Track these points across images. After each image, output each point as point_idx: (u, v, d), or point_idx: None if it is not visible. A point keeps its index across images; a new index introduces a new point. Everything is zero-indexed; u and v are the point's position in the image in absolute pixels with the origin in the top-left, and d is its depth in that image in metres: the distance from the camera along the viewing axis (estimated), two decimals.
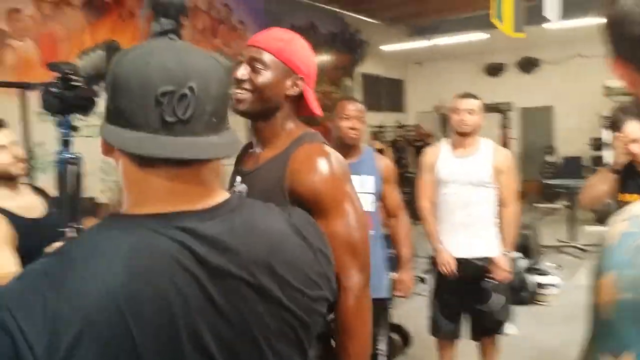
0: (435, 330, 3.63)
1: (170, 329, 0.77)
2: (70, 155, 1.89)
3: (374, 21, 11.81)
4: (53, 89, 1.81)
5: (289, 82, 1.62)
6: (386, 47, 13.05)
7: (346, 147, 3.00)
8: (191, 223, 0.83)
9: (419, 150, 12.05)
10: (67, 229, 1.89)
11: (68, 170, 1.89)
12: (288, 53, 1.57)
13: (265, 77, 1.56)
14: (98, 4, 7.86)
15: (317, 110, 1.66)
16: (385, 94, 14.69)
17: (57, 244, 1.57)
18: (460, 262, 3.44)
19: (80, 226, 1.95)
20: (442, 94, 13.85)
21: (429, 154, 3.66)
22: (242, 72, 1.53)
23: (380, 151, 10.75)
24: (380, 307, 3.09)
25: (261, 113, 1.62)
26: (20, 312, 0.73)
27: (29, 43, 7.00)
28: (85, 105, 1.83)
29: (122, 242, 0.79)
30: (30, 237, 2.28)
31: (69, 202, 1.90)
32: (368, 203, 3.04)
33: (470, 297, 3.49)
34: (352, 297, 1.43)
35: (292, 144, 1.61)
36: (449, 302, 3.55)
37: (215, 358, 0.80)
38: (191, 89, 0.82)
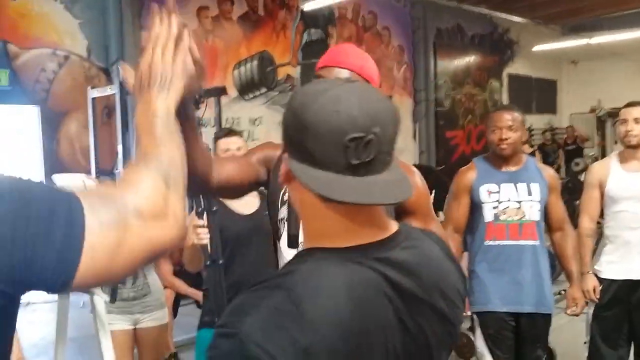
0: (597, 357, 3.36)
1: (382, 347, 0.89)
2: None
3: (524, 20, 11.40)
4: None
5: None
6: (538, 47, 12.52)
7: (502, 158, 2.93)
8: (383, 253, 0.92)
9: (570, 155, 11.43)
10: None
11: None
12: (367, 69, 1.60)
13: None
14: (253, 17, 8.45)
15: None
16: (536, 95, 14.09)
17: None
18: (634, 284, 3.19)
19: (215, 209, 2.39)
20: (599, 95, 13.04)
21: (596, 169, 3.41)
22: None
23: (531, 155, 10.37)
24: (545, 323, 2.97)
25: None
26: (271, 347, 0.80)
27: None
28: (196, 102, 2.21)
29: (337, 276, 0.88)
30: (242, 228, 2.74)
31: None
32: (535, 212, 2.91)
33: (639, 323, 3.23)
34: None
35: None
36: (613, 327, 3.29)
37: None
38: (375, 134, 0.88)
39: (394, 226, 0.99)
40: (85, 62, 6.80)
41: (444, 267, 1.02)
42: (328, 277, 0.88)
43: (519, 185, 2.90)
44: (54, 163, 6.49)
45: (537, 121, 13.88)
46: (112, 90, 6.14)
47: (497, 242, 2.90)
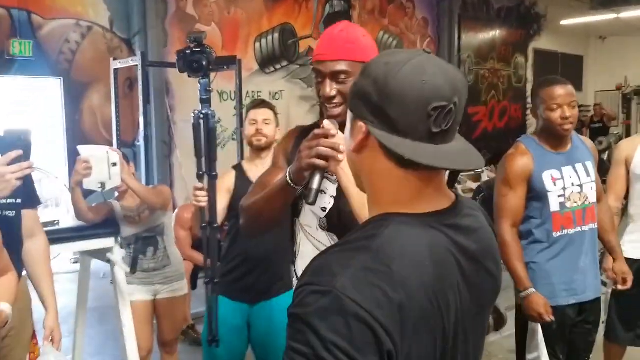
0: (613, 337, 3.34)
1: (454, 305, 0.96)
2: (204, 112, 2.30)
3: None
4: (181, 53, 2.24)
5: None
6: (566, 21, 12.24)
7: (559, 138, 2.63)
8: (452, 219, 1.00)
9: (595, 133, 11.25)
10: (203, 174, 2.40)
11: (201, 125, 2.33)
12: (360, 52, 1.58)
13: (350, 83, 1.53)
14: None
15: None
16: (561, 71, 13.83)
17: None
18: None
19: (215, 173, 2.45)
20: (626, 72, 12.77)
21: (624, 146, 3.36)
22: (328, 89, 1.58)
23: None
24: (599, 304, 2.82)
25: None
26: (367, 303, 0.84)
27: (214, 27, 7.69)
28: (194, 68, 2.24)
29: (420, 240, 0.95)
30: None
31: (201, 151, 2.37)
32: (593, 193, 2.68)
33: None
34: None
35: None
36: (632, 307, 3.24)
37: (459, 323, 0.98)
38: (455, 104, 0.94)
39: (452, 195, 1.06)
40: (108, 33, 6.82)
41: (491, 234, 1.11)
42: (412, 240, 0.94)
43: (577, 166, 2.65)
44: (76, 134, 6.56)
45: None
46: (134, 61, 6.17)
47: (565, 232, 2.62)
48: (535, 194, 2.62)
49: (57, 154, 6.27)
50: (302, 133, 1.80)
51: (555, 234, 2.63)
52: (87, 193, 3.56)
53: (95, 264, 3.73)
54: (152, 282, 3.36)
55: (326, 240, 1.69)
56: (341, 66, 1.58)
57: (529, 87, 13.12)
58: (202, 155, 2.41)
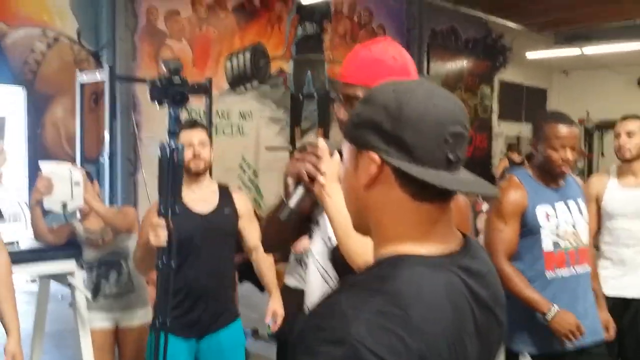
0: None
1: (470, 354, 0.90)
2: (173, 146, 2.08)
3: (519, 27, 11.39)
4: (156, 82, 2.06)
5: None
6: (531, 54, 12.52)
7: (552, 175, 2.54)
8: (464, 261, 0.94)
9: None
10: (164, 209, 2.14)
11: (169, 159, 2.09)
12: (384, 75, 1.40)
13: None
14: (249, 8, 8.31)
15: None
16: (526, 103, 14.11)
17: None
18: (627, 302, 3.15)
19: (178, 212, 2.15)
20: (588, 107, 13.09)
21: (593, 182, 3.34)
22: (344, 113, 1.48)
23: (522, 163, 10.37)
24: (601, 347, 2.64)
25: None
26: (385, 352, 0.78)
27: (184, 44, 7.57)
28: (177, 100, 2.07)
29: (437, 283, 0.88)
30: (196, 229, 2.55)
31: (169, 188, 2.12)
32: (586, 233, 2.58)
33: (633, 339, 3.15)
34: None
35: None
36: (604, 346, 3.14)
37: None
38: (466, 129, 0.91)
39: (459, 232, 1.01)
40: (75, 44, 6.62)
41: (498, 278, 1.05)
42: (428, 283, 0.88)
43: (570, 203, 2.56)
44: (38, 148, 6.32)
45: (526, 129, 13.89)
46: (101, 75, 5.99)
47: (559, 274, 2.50)
48: (528, 230, 2.52)
49: (16, 167, 6.02)
50: None
51: (548, 274, 2.50)
52: (48, 212, 3.39)
53: (54, 284, 3.55)
54: (114, 309, 3.19)
55: (334, 273, 1.56)
56: (356, 91, 1.44)
57: (494, 117, 13.34)
58: (167, 192, 2.13)
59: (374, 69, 1.44)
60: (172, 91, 2.04)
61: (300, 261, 3.46)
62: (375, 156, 0.91)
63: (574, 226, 2.53)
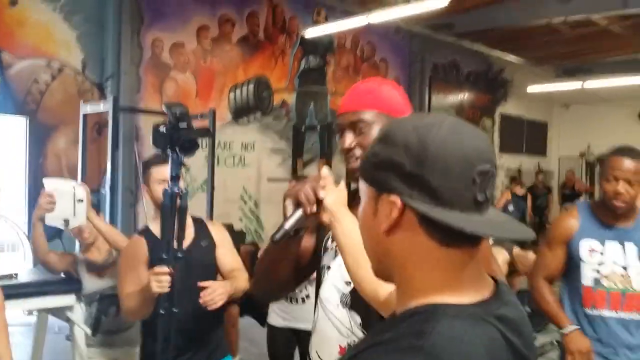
0: None
1: None
2: (177, 190, 2.02)
3: (520, 60, 11.49)
4: (161, 128, 1.97)
5: None
6: (532, 88, 12.61)
7: (610, 210, 2.40)
8: (499, 309, 0.87)
9: (566, 199, 11.40)
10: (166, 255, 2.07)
11: (172, 204, 2.02)
12: (380, 101, 1.52)
13: (372, 134, 1.50)
14: (253, 41, 8.38)
15: None
16: (526, 136, 14.16)
17: None
18: None
19: (180, 255, 2.08)
20: (589, 140, 13.13)
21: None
22: (349, 141, 1.51)
23: (524, 197, 10.35)
24: None
25: None
26: None
27: (188, 75, 7.61)
28: (187, 147, 1.98)
29: (477, 339, 0.81)
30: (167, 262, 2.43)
31: (172, 232, 2.05)
32: (638, 280, 2.40)
33: None
34: None
35: None
36: None
37: None
38: (494, 166, 0.85)
39: (490, 277, 0.94)
40: (79, 75, 6.65)
41: (529, 323, 0.97)
42: (468, 339, 0.80)
43: (628, 245, 2.39)
44: (39, 178, 6.30)
45: (527, 162, 13.92)
46: (104, 106, 6.00)
47: (597, 312, 2.40)
48: (572, 261, 2.46)
49: (17, 196, 5.99)
50: None
51: (586, 310, 2.42)
52: (49, 238, 3.35)
53: (51, 317, 3.49)
54: (114, 345, 3.12)
55: (346, 319, 1.50)
56: (358, 116, 1.49)
57: (495, 150, 13.37)
58: (170, 237, 2.06)
59: (369, 95, 1.52)
60: (179, 138, 1.95)
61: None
62: (397, 200, 0.84)
63: (625, 268, 2.38)
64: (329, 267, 1.55)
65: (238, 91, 8.20)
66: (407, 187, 0.83)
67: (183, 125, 1.96)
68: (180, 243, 2.10)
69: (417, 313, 0.84)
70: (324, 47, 9.34)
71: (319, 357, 1.53)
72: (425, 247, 0.85)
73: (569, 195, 11.76)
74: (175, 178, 2.04)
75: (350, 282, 1.48)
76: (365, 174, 0.90)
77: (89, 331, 3.02)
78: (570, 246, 2.46)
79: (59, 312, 3.13)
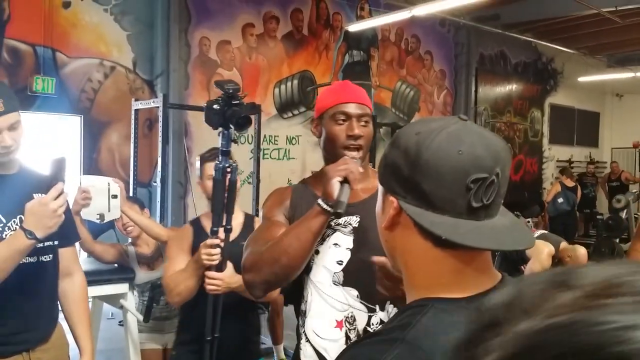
0: None
1: None
2: (227, 164, 2.11)
3: (570, 51, 11.23)
4: (214, 106, 2.02)
5: None
6: (583, 78, 12.30)
7: None
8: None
9: (613, 191, 11.11)
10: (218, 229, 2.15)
11: (223, 177, 2.11)
12: (368, 102, 1.73)
13: (370, 128, 1.70)
14: (297, 37, 8.49)
15: None
16: (578, 127, 13.83)
17: None
18: None
19: (229, 226, 2.17)
20: None
21: None
22: (357, 129, 1.65)
23: (574, 188, 10.13)
24: None
25: (364, 158, 1.72)
26: None
27: (235, 72, 7.77)
28: (241, 123, 2.02)
29: (457, 330, 0.83)
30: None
31: (222, 205, 2.14)
32: None
33: None
34: None
35: None
36: None
37: None
38: (497, 175, 0.85)
39: (498, 274, 0.93)
40: (131, 73, 6.89)
41: None
42: (454, 331, 0.79)
43: None
44: (93, 172, 6.57)
45: (578, 154, 13.60)
46: (155, 103, 6.21)
47: None
48: None
49: (72, 192, 6.25)
50: (297, 191, 1.81)
51: None
52: (99, 232, 3.51)
53: (105, 304, 3.67)
54: (164, 331, 3.27)
55: (341, 296, 1.61)
56: (365, 110, 1.67)
57: (545, 141, 13.11)
58: (221, 210, 2.16)
59: (365, 94, 1.73)
60: (233, 114, 1.99)
61: None
62: (394, 201, 0.89)
63: None
64: (317, 252, 1.65)
65: (282, 86, 8.32)
66: (403, 190, 0.87)
67: (236, 102, 2.01)
68: (229, 216, 2.18)
69: (411, 307, 0.88)
70: (367, 41, 9.36)
71: (317, 335, 1.63)
72: (422, 246, 0.87)
73: (616, 187, 11.45)
74: (225, 153, 2.11)
75: (341, 262, 1.61)
76: (379, 173, 0.95)
77: (140, 317, 3.18)
78: None
79: (113, 300, 3.29)
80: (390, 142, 0.92)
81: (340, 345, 1.57)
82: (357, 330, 1.61)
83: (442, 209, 0.84)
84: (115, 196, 2.95)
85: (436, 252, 0.86)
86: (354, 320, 1.61)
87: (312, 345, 1.63)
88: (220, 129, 2.06)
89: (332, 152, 1.67)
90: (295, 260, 1.55)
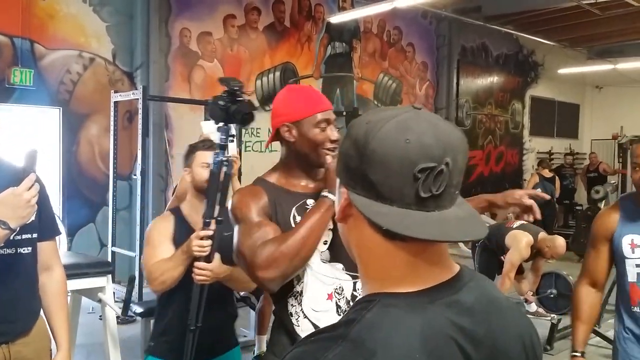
0: None
1: None
2: (224, 158, 2.20)
3: (550, 43, 11.31)
4: (220, 102, 2.12)
5: None
6: (564, 70, 12.41)
7: None
8: (451, 296, 0.85)
9: (591, 182, 11.25)
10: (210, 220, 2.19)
11: (219, 170, 2.20)
12: None
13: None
14: (279, 28, 8.46)
15: None
16: (558, 119, 13.96)
17: None
18: None
19: (221, 218, 2.19)
20: (623, 122, 12.87)
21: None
22: (337, 134, 1.80)
23: (552, 179, 10.24)
24: None
25: None
26: None
27: (216, 64, 7.73)
28: (246, 119, 2.15)
29: (409, 327, 0.80)
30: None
31: (217, 196, 2.21)
32: None
33: None
34: None
35: None
36: None
37: None
38: (447, 164, 0.82)
39: (456, 265, 0.91)
40: (110, 65, 6.83)
41: (513, 310, 0.94)
42: (399, 327, 0.80)
43: None
44: (72, 165, 6.52)
45: (558, 145, 13.73)
46: (135, 95, 6.16)
47: None
48: (617, 258, 2.29)
49: (52, 184, 6.21)
50: (270, 190, 1.82)
51: (633, 308, 2.25)
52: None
53: (84, 298, 3.66)
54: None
55: (329, 271, 1.75)
56: (333, 115, 1.84)
57: (526, 133, 13.23)
58: (214, 201, 2.21)
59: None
60: (238, 110, 2.12)
61: None
62: (345, 192, 0.87)
63: None
64: None
65: (264, 78, 8.30)
66: (353, 180, 0.85)
67: (240, 98, 2.14)
68: (222, 208, 2.22)
69: (359, 303, 0.86)
70: (350, 33, 9.36)
71: (314, 310, 1.75)
72: (373, 239, 0.85)
73: (594, 177, 11.59)
74: (223, 147, 2.21)
75: (326, 242, 1.74)
76: (336, 164, 0.93)
77: (119, 311, 3.18)
78: (613, 243, 2.29)
79: (91, 294, 3.29)
80: (346, 132, 0.90)
81: (331, 315, 1.73)
82: (345, 298, 1.76)
83: (390, 200, 0.82)
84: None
85: (387, 244, 0.84)
86: (342, 290, 1.77)
87: (309, 319, 1.75)
88: (221, 123, 2.17)
89: (313, 154, 1.79)
90: (311, 252, 1.70)
